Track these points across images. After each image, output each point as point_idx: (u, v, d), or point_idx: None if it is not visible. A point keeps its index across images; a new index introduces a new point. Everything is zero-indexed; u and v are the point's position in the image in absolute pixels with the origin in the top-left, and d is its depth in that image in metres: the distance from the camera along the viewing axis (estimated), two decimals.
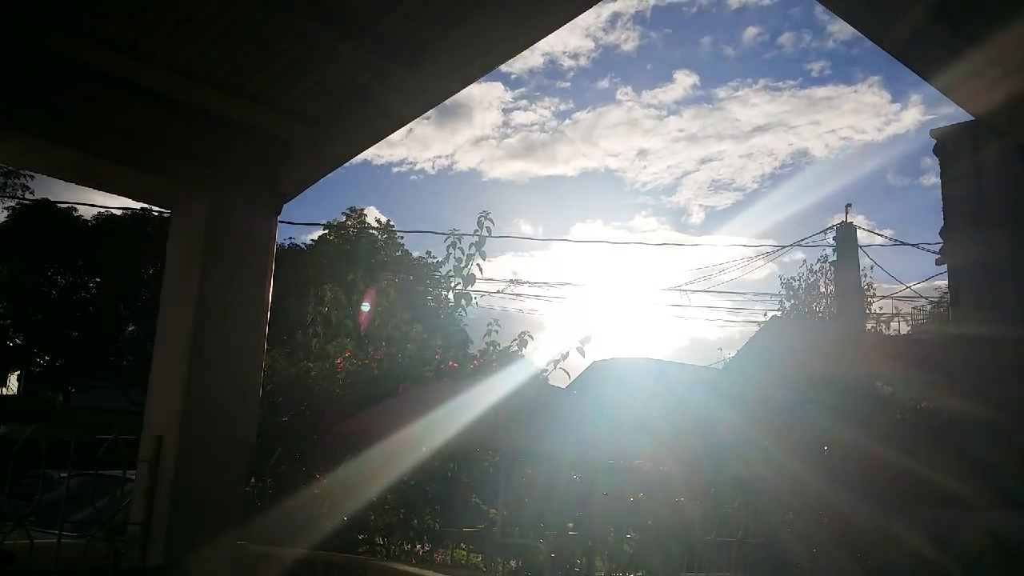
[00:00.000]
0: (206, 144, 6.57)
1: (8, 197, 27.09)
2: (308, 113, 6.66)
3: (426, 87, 6.03)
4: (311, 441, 6.81)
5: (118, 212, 27.26)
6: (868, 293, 22.74)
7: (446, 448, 6.10)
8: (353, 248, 27.52)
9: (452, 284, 9.06)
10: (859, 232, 18.60)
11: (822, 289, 25.71)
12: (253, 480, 6.54)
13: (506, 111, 62.52)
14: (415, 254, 30.48)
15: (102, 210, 27.60)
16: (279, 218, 7.07)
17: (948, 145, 10.24)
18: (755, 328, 22.26)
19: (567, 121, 64.24)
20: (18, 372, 31.64)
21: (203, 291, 6.38)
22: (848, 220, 18.65)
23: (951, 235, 10.26)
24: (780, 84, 62.83)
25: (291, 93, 6.46)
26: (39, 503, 7.03)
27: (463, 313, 9.19)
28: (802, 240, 20.34)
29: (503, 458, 6.36)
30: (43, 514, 6.67)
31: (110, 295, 27.49)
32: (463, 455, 6.92)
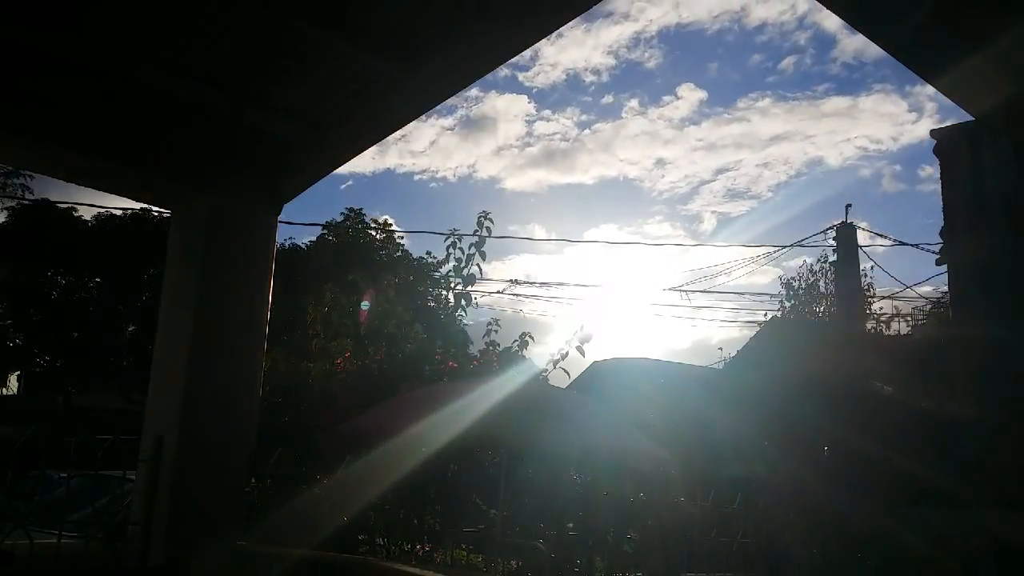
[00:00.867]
0: (206, 144, 6.58)
1: (8, 197, 27.11)
2: (308, 113, 6.67)
3: (426, 87, 6.04)
4: (311, 441, 6.80)
5: (118, 212, 27.31)
6: (868, 294, 22.74)
7: (446, 448, 6.10)
8: (353, 248, 27.51)
9: (452, 284, 9.05)
10: (861, 234, 18.59)
11: (822, 289, 25.71)
12: (253, 480, 6.54)
13: (529, 122, 63.95)
14: (416, 254, 30.49)
15: (102, 210, 27.65)
16: (279, 218, 7.08)
17: (948, 145, 10.25)
18: (757, 329, 22.28)
19: (587, 131, 65.18)
20: (18, 372, 31.64)
21: (203, 291, 6.39)
22: (848, 220, 18.63)
23: (951, 235, 10.26)
24: (798, 94, 63.51)
25: (291, 93, 6.47)
26: (39, 503, 7.03)
27: (463, 313, 9.19)
28: (802, 240, 20.34)
29: (504, 458, 6.36)
30: (43, 514, 6.67)
31: (110, 295, 27.49)
32: (464, 455, 6.92)
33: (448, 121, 68.40)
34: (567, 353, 8.04)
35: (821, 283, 25.90)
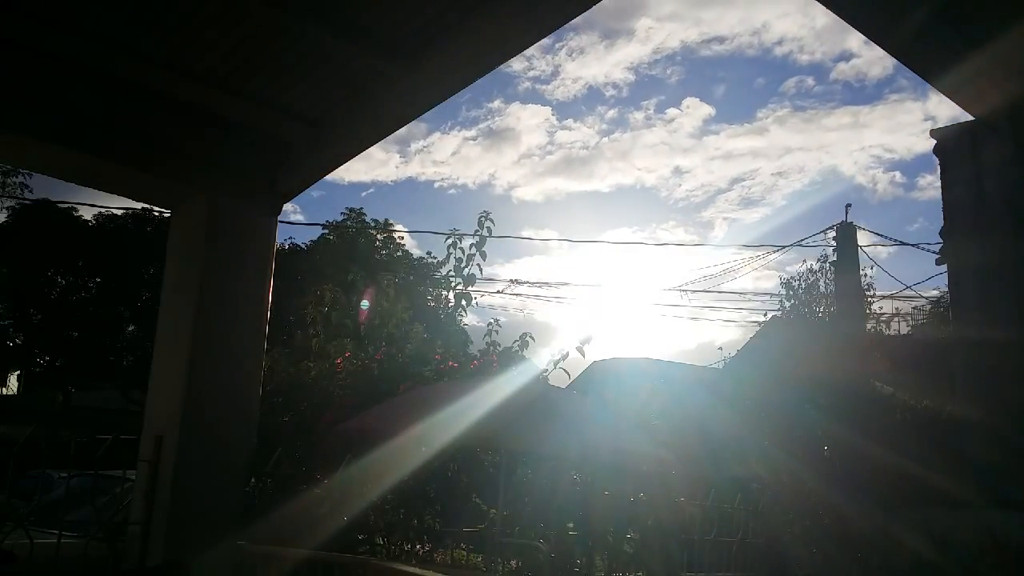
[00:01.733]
0: (206, 144, 6.57)
1: (8, 197, 27.11)
2: (308, 113, 6.66)
3: (426, 87, 6.04)
4: (311, 441, 6.80)
5: (118, 212, 27.30)
6: (868, 293, 22.72)
7: (447, 448, 6.10)
8: (353, 248, 27.50)
9: (452, 284, 9.05)
10: (861, 235, 18.58)
11: (822, 289, 25.68)
12: (253, 480, 6.53)
13: (550, 132, 65.18)
14: (417, 255, 30.48)
15: (102, 210, 27.64)
16: (279, 218, 7.08)
17: (949, 145, 10.24)
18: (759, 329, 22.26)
19: (606, 139, 66.00)
20: (18, 372, 31.64)
21: (203, 291, 6.39)
22: (848, 220, 18.63)
23: (951, 235, 10.25)
24: (816, 105, 63.88)
25: (291, 94, 6.46)
26: (39, 503, 7.02)
27: (463, 313, 9.19)
28: (802, 240, 20.31)
29: (504, 458, 6.36)
30: (43, 514, 6.67)
31: (110, 295, 27.48)
32: (464, 455, 6.92)
33: (471, 132, 69.75)
34: (567, 353, 8.04)
35: (821, 283, 25.87)
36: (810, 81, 66.57)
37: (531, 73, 69.53)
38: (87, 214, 27.76)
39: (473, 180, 64.61)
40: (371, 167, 60.79)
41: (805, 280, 25.92)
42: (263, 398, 6.87)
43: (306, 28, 5.57)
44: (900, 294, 21.26)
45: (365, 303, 8.90)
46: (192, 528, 5.82)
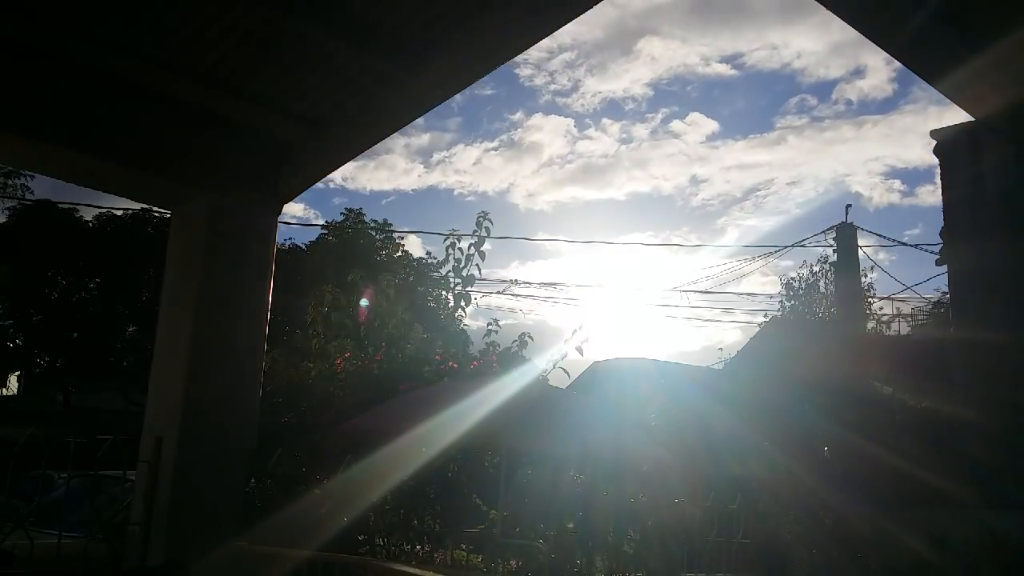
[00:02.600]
0: (206, 144, 6.58)
1: (8, 197, 27.11)
2: (309, 114, 6.67)
3: (426, 88, 6.05)
4: (311, 442, 6.80)
5: (118, 212, 27.30)
6: (868, 294, 22.74)
7: (447, 448, 6.10)
8: (352, 248, 27.50)
9: (452, 285, 9.05)
10: (862, 238, 18.60)
11: (822, 290, 25.70)
12: (253, 480, 6.53)
13: (570, 142, 65.82)
14: (416, 254, 30.49)
15: (102, 210, 27.65)
16: (279, 218, 7.09)
17: (948, 146, 10.22)
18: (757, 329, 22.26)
19: (624, 148, 66.77)
20: (18, 373, 31.63)
21: (203, 291, 6.39)
22: (848, 221, 18.64)
23: (951, 236, 10.25)
24: (833, 115, 64.21)
25: (292, 94, 6.47)
26: (39, 504, 7.02)
27: (463, 313, 9.19)
28: (803, 241, 20.32)
29: (504, 458, 6.36)
30: (43, 515, 6.67)
31: (110, 295, 27.48)
32: (464, 455, 6.92)
33: (493, 143, 71.09)
34: (566, 354, 8.05)
35: (821, 283, 25.90)
36: (828, 94, 67.18)
37: (552, 87, 70.69)
38: (87, 214, 27.82)
39: (493, 188, 65.79)
40: (394, 176, 61.98)
41: (805, 280, 25.98)
42: (263, 399, 6.87)
43: (307, 29, 5.58)
44: (899, 295, 21.27)
45: (364, 301, 8.91)
46: (192, 528, 5.82)
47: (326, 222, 30.16)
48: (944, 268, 10.60)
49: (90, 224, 27.39)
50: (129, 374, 26.50)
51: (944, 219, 10.36)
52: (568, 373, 8.45)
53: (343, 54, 5.90)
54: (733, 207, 65.59)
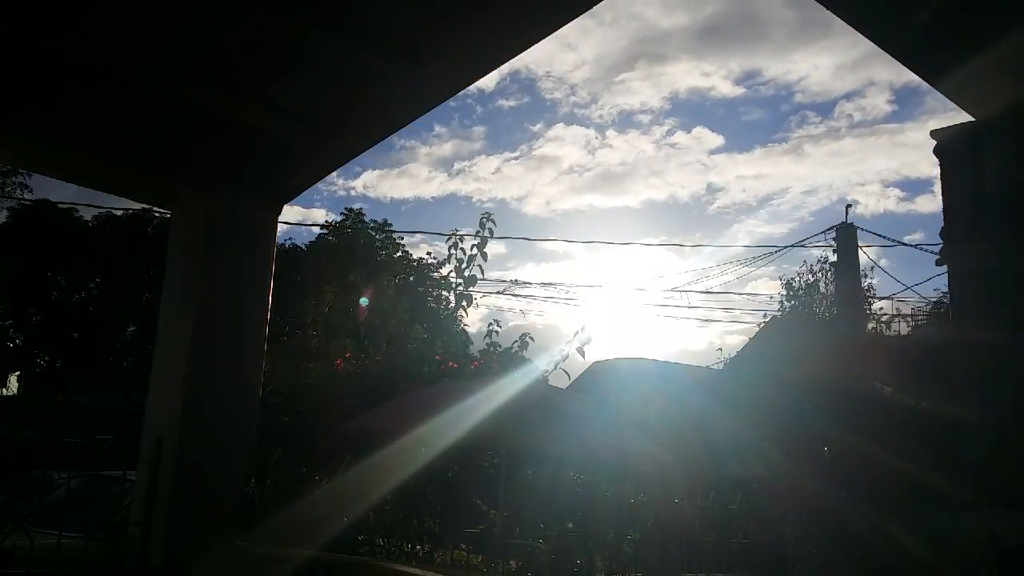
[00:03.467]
0: (206, 144, 6.57)
1: (8, 197, 27.12)
2: (309, 114, 6.66)
3: (426, 88, 6.05)
4: (311, 442, 6.80)
5: (118, 212, 27.31)
6: (868, 294, 22.76)
7: (447, 449, 6.09)
8: (353, 248, 27.50)
9: (453, 285, 9.05)
10: (861, 236, 18.60)
11: (822, 290, 25.72)
12: (253, 481, 6.54)
13: (589, 151, 66.84)
14: (416, 254, 30.48)
15: (102, 210, 27.67)
16: (279, 218, 7.08)
17: (949, 147, 10.22)
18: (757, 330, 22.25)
19: (641, 157, 67.25)
20: (18, 373, 31.63)
21: (203, 291, 6.38)
22: (848, 222, 18.65)
23: (951, 236, 10.25)
24: (849, 125, 64.46)
25: (292, 94, 6.46)
26: (39, 504, 7.03)
27: (464, 313, 9.19)
28: (803, 241, 20.33)
29: (504, 459, 6.36)
30: (43, 515, 6.67)
31: (110, 296, 27.48)
32: (464, 456, 6.92)
33: (514, 152, 72.39)
34: (567, 355, 8.05)
35: (821, 284, 25.93)
36: (833, 109, 67.48)
37: (572, 99, 71.75)
38: (87, 214, 27.83)
39: (512, 195, 67.13)
40: (416, 184, 62.89)
41: (805, 280, 25.99)
42: (263, 399, 6.87)
43: (307, 29, 5.57)
44: (899, 295, 21.27)
45: (364, 300, 8.91)
46: (192, 529, 5.82)
47: (326, 222, 30.16)
48: (944, 268, 10.61)
49: (90, 224, 27.40)
50: (129, 374, 26.52)
51: (944, 219, 10.35)
52: (568, 374, 8.44)
53: (343, 54, 5.89)
54: (747, 214, 66.28)
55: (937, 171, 10.59)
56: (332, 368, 7.94)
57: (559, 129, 70.73)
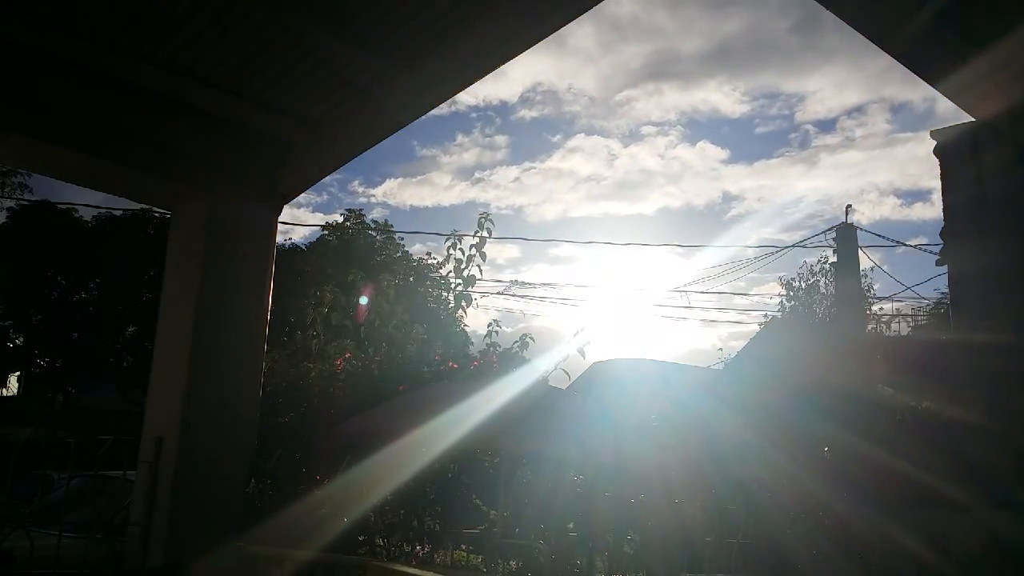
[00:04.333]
0: (206, 144, 6.57)
1: (8, 197, 27.12)
2: (308, 114, 6.66)
3: (425, 89, 6.04)
4: (311, 442, 6.79)
5: (118, 212, 27.30)
6: (868, 294, 22.75)
7: (447, 449, 6.09)
8: (352, 248, 27.49)
9: (453, 286, 9.04)
10: (862, 236, 18.59)
11: (822, 290, 25.72)
12: (253, 481, 6.53)
13: (607, 160, 67.07)
14: (416, 254, 30.47)
15: (102, 210, 27.66)
16: (279, 218, 7.08)
17: (949, 147, 10.23)
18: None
19: (653, 164, 67.95)
20: (18, 373, 31.63)
21: (203, 291, 6.38)
22: (848, 222, 18.63)
23: (951, 237, 10.25)
24: (866, 134, 64.70)
25: (291, 94, 6.46)
26: (39, 504, 7.03)
27: (463, 313, 9.18)
28: (803, 241, 20.33)
29: (504, 459, 6.36)
30: (43, 515, 6.67)
31: (110, 296, 27.48)
32: (464, 456, 6.92)
33: (533, 162, 72.81)
34: (567, 355, 8.04)
35: (821, 284, 25.93)
36: (863, 116, 67.67)
37: (591, 109, 72.30)
38: (87, 214, 27.82)
39: (529, 203, 67.42)
40: (436, 192, 63.58)
41: (805, 280, 25.99)
42: (263, 399, 6.87)
43: (307, 29, 5.57)
44: (899, 295, 21.27)
45: (364, 299, 8.90)
46: (192, 529, 5.82)
47: (326, 222, 30.16)
48: (944, 268, 10.61)
49: (89, 224, 27.40)
50: (129, 374, 26.51)
51: (944, 220, 10.36)
52: (568, 374, 8.43)
53: (343, 54, 5.89)
54: (761, 222, 66.61)
55: (937, 171, 10.57)
56: (332, 368, 7.92)
57: (579, 139, 71.20)
